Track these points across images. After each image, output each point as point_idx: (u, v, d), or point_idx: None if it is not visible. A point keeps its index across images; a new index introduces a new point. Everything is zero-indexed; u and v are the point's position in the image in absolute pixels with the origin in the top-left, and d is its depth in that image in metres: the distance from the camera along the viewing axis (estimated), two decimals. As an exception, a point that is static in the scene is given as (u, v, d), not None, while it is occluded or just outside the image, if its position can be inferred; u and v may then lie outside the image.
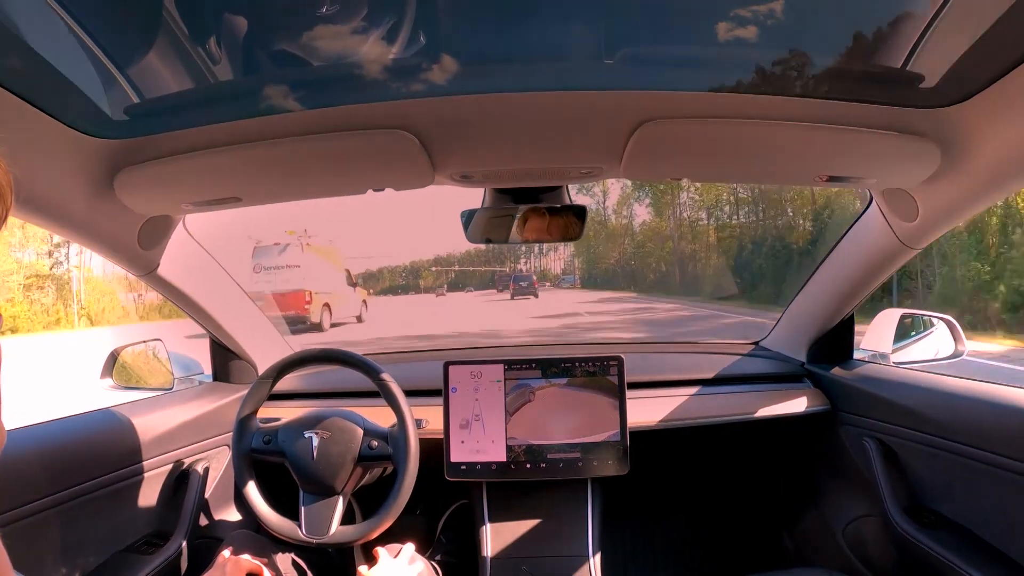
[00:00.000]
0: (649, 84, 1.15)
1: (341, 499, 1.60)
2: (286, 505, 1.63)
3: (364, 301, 25.49)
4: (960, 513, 1.57)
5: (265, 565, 1.56)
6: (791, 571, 1.74)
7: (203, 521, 1.84)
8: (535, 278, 49.85)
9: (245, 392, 1.68)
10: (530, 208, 1.58)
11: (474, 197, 1.67)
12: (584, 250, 64.01)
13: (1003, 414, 1.44)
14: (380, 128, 1.20)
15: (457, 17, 1.04)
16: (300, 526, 1.58)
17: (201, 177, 1.33)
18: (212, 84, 1.14)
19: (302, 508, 1.60)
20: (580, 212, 1.59)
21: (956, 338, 2.03)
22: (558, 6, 1.05)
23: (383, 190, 1.42)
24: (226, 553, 1.53)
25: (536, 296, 40.93)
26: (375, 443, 1.61)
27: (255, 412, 1.68)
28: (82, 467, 1.48)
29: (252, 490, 1.62)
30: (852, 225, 1.83)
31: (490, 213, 1.61)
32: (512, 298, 39.70)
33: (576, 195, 1.61)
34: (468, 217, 1.61)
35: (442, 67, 1.09)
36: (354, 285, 24.46)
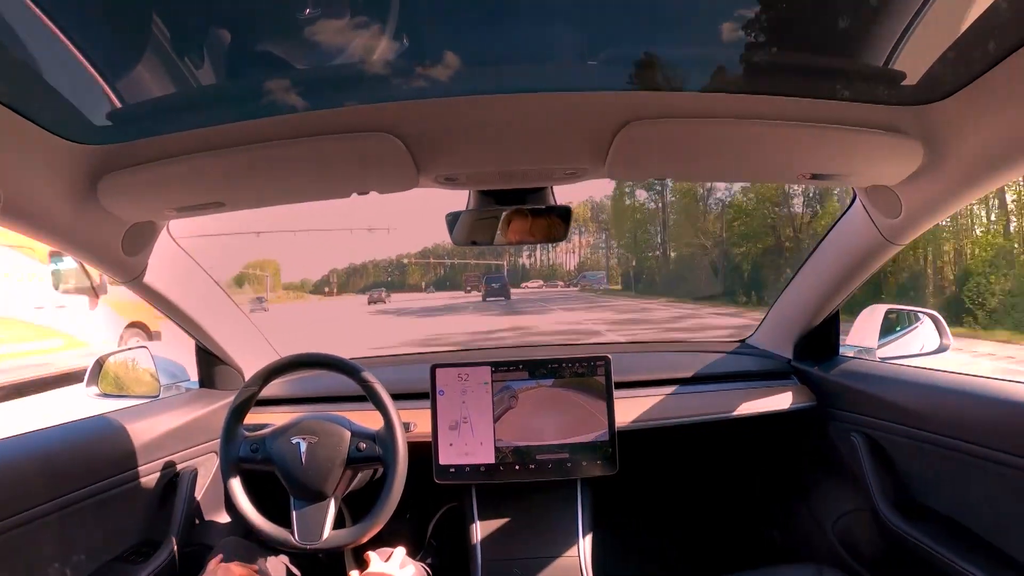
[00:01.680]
0: (631, 84, 1.15)
1: (332, 503, 1.59)
2: (277, 512, 1.62)
3: (137, 326, 11.60)
4: (948, 506, 1.59)
5: (256, 572, 1.55)
6: (781, 567, 1.74)
7: (193, 528, 1.83)
8: (507, 279, 46.20)
9: (232, 398, 1.67)
10: (515, 210, 1.58)
11: (459, 199, 1.66)
12: (629, 231, 44.79)
13: (989, 407, 1.45)
14: (364, 131, 1.19)
15: (440, 19, 1.04)
16: (292, 533, 1.57)
17: (185, 182, 1.32)
18: (195, 89, 1.13)
19: (293, 514, 1.59)
20: (564, 213, 1.59)
21: (941, 332, 2.05)
22: (541, 8, 1.05)
23: (367, 193, 1.42)
24: (217, 560, 1.52)
25: (508, 298, 38.67)
26: (363, 445, 1.61)
27: (242, 420, 1.66)
28: (70, 476, 1.47)
29: (242, 500, 1.61)
30: (836, 222, 1.84)
31: (475, 215, 1.61)
32: (484, 299, 38.44)
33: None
34: (453, 219, 1.61)
35: (426, 69, 1.09)
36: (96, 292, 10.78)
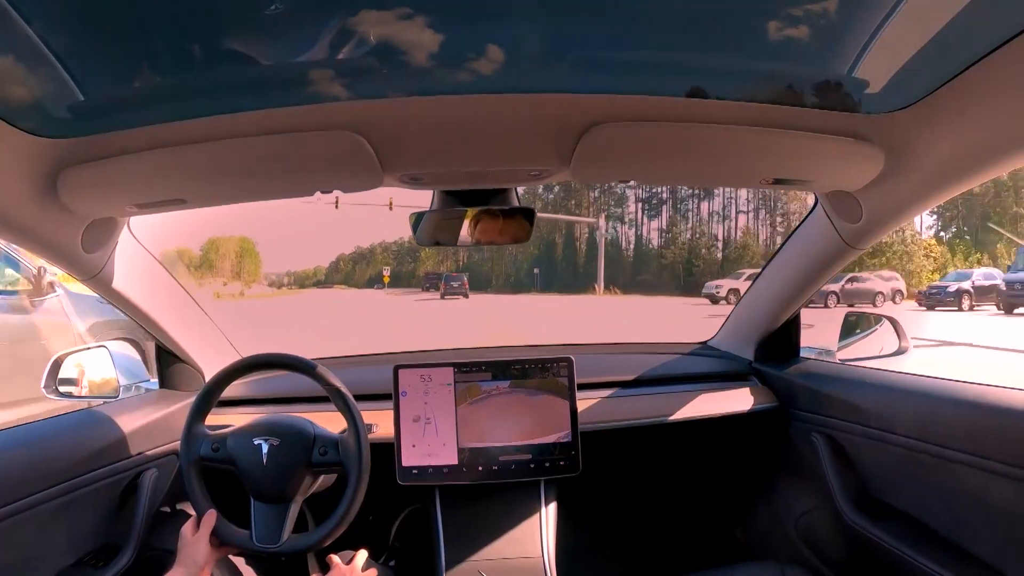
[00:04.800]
0: (598, 87, 1.16)
1: (292, 506, 1.57)
2: (237, 514, 1.60)
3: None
4: (907, 503, 1.62)
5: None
6: (744, 565, 1.76)
7: (154, 532, 1.79)
8: (465, 279, 40.30)
9: (192, 399, 1.65)
10: (479, 210, 1.58)
11: (423, 198, 1.61)
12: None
13: (944, 407, 1.49)
14: (329, 129, 1.19)
15: (406, 19, 1.04)
16: (252, 535, 1.55)
17: (146, 178, 1.30)
18: (158, 83, 1.12)
19: (253, 516, 1.57)
20: (528, 214, 1.59)
21: (900, 335, 2.08)
22: (508, 9, 1.05)
23: (331, 192, 1.41)
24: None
25: (466, 296, 36.77)
26: (326, 450, 1.59)
27: (203, 420, 1.63)
28: (25, 480, 1.42)
29: (201, 498, 1.58)
30: (799, 226, 1.87)
31: (439, 215, 1.60)
32: (442, 297, 36.79)
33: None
34: (417, 219, 1.60)
35: (392, 69, 1.09)
36: None
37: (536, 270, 53.26)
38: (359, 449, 1.57)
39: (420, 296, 40.62)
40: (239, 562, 1.82)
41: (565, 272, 55.58)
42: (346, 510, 1.55)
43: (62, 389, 1.95)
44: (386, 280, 55.51)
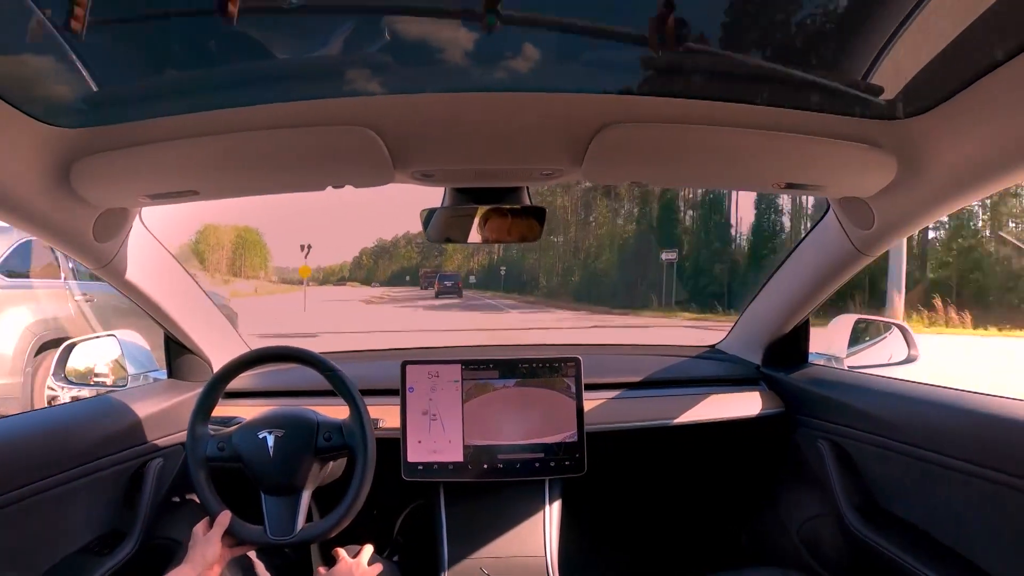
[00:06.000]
0: (612, 87, 1.16)
1: (304, 496, 1.58)
2: (248, 508, 1.61)
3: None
4: (911, 512, 1.61)
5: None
6: (747, 570, 1.76)
7: (160, 521, 1.80)
8: (459, 279, 39.18)
9: (200, 390, 1.66)
10: (490, 208, 1.59)
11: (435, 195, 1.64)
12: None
13: (952, 417, 1.48)
14: (342, 125, 1.19)
15: (422, 16, 1.04)
16: (265, 529, 1.56)
17: (159, 169, 1.30)
18: (172, 75, 1.13)
19: (265, 510, 1.58)
20: (539, 213, 1.59)
21: (909, 343, 2.07)
22: (524, 7, 1.05)
23: (343, 187, 1.41)
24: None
25: (460, 296, 35.63)
26: (330, 435, 1.60)
27: (207, 418, 1.65)
28: (33, 466, 1.43)
29: (211, 498, 1.58)
30: (810, 231, 1.86)
31: (450, 212, 1.61)
32: (436, 297, 35.55)
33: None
34: (428, 216, 1.60)
35: (406, 65, 1.09)
36: None
37: (668, 256, 29.29)
38: (363, 431, 1.58)
39: (414, 296, 37.24)
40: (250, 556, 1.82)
41: (698, 269, 31.50)
42: (356, 493, 1.56)
43: (71, 377, 1.97)
44: (303, 275, 35.50)
